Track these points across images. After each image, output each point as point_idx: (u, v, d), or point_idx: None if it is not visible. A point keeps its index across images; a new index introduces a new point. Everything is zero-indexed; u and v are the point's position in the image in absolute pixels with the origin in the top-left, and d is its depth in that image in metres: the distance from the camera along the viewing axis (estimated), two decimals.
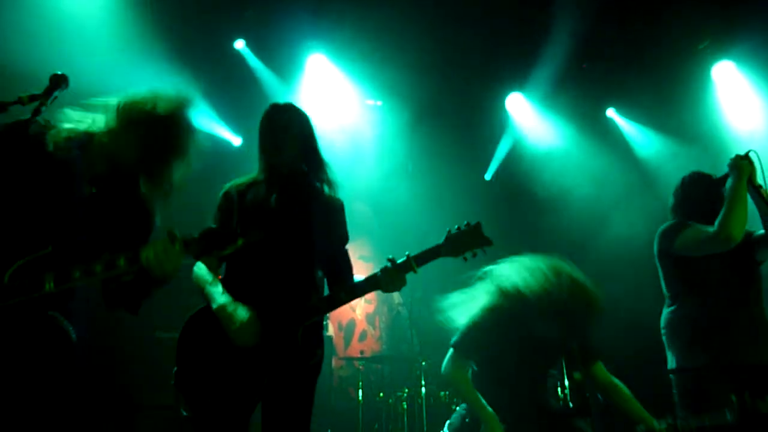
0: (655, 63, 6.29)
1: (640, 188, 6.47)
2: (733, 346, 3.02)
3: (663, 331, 3.30)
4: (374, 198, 7.46)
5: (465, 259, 2.46)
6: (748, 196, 3.02)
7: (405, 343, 6.78)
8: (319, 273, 2.56)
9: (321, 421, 5.79)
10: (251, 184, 2.58)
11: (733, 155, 3.11)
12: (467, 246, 2.45)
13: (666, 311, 3.30)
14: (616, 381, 3.17)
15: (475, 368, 3.20)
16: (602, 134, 7.07)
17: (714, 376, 2.98)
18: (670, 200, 3.41)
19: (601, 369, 3.22)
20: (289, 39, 6.07)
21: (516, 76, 6.73)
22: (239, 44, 6.12)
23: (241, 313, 2.27)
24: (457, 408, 3.26)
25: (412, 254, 2.40)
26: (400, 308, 7.51)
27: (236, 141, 6.69)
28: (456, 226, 2.48)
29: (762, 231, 3.13)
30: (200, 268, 2.45)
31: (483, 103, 7.09)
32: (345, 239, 2.69)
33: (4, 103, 1.91)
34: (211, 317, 2.33)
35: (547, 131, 7.23)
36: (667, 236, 3.24)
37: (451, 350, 3.17)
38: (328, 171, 2.64)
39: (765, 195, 3.03)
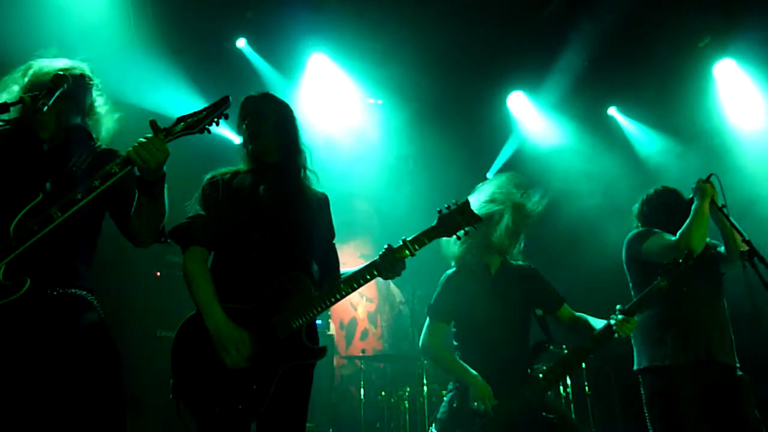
0: (655, 61, 6.27)
1: (641, 187, 6.46)
2: (701, 346, 3.20)
3: (632, 335, 3.35)
4: (376, 196, 7.47)
5: (458, 237, 2.52)
6: (710, 216, 3.28)
7: (407, 342, 6.79)
8: (315, 267, 2.53)
9: (322, 420, 5.80)
10: (236, 174, 2.55)
11: (702, 177, 3.36)
12: (459, 225, 2.50)
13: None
14: (579, 314, 3.31)
15: (455, 342, 3.26)
16: (603, 133, 7.06)
17: (682, 375, 3.16)
18: (637, 208, 3.66)
19: (566, 310, 3.34)
20: (290, 38, 6.07)
21: (517, 74, 6.73)
22: (240, 43, 6.12)
23: (232, 337, 2.23)
24: (444, 399, 3.27)
25: (408, 238, 2.44)
26: (401, 307, 7.52)
27: (237, 140, 6.66)
28: (446, 206, 2.53)
29: (723, 248, 3.40)
30: (193, 263, 2.38)
31: (484, 101, 7.08)
32: (333, 234, 2.70)
33: (6, 103, 1.94)
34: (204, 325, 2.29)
35: (549, 129, 7.22)
36: (635, 243, 3.46)
37: (426, 320, 3.24)
38: (309, 161, 2.61)
39: (727, 214, 3.26)
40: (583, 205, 6.35)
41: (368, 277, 2.40)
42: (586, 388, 5.61)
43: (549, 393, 3.14)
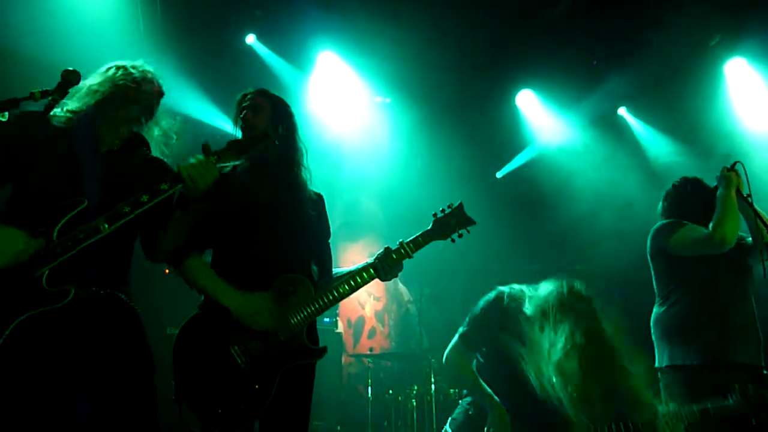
0: (665, 60, 6.22)
1: (651, 188, 6.42)
2: (726, 345, 3.08)
3: (653, 329, 3.35)
4: (384, 195, 7.46)
5: (453, 240, 2.57)
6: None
7: (414, 340, 6.79)
8: (314, 267, 2.54)
9: (330, 417, 5.81)
10: (233, 171, 2.52)
11: (732, 161, 3.25)
12: (453, 228, 2.55)
13: (657, 310, 3.35)
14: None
15: (481, 360, 3.20)
16: (614, 133, 7.02)
17: (706, 375, 3.04)
18: (661, 204, 3.51)
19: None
20: (299, 36, 6.07)
21: (526, 72, 6.70)
22: (250, 39, 6.12)
23: (256, 301, 2.28)
24: (461, 401, 3.26)
25: (405, 240, 2.49)
26: (409, 305, 7.52)
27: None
28: (441, 210, 2.57)
29: (750, 238, 3.25)
30: (191, 264, 2.39)
31: (493, 99, 7.06)
32: (329, 233, 2.70)
33: (16, 99, 1.94)
34: (206, 323, 2.30)
35: (558, 129, 7.19)
36: (662, 234, 3.30)
37: (457, 338, 3.18)
38: (305, 159, 2.61)
39: (752, 203, 3.16)
40: (592, 205, 6.33)
41: (366, 277, 2.44)
42: None
43: None
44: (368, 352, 6.63)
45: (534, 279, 3.19)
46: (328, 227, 2.69)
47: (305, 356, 2.34)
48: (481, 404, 3.05)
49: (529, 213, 6.83)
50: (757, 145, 6.12)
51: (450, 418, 3.21)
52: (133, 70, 2.27)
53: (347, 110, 6.84)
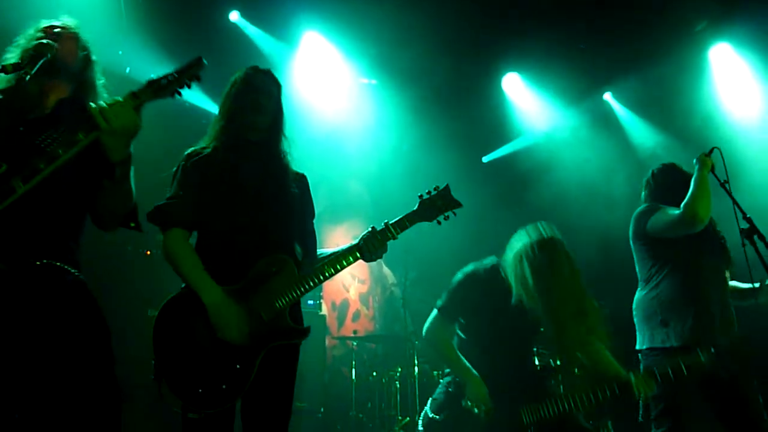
0: (651, 46, 6.22)
1: (635, 174, 6.45)
2: (706, 327, 3.12)
3: (635, 313, 3.41)
4: (369, 177, 7.43)
5: (439, 222, 2.55)
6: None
7: (398, 323, 6.81)
8: (298, 248, 2.51)
9: (314, 399, 5.82)
10: (217, 150, 2.43)
11: (710, 147, 3.32)
12: (439, 210, 2.53)
13: (639, 294, 3.41)
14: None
15: (461, 335, 3.23)
16: (599, 118, 7.03)
17: (686, 356, 3.05)
18: (643, 193, 3.59)
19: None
20: (282, 15, 5.98)
21: (513, 55, 6.66)
22: (234, 16, 6.02)
23: (232, 312, 2.22)
24: (441, 381, 3.28)
25: (390, 222, 2.47)
26: (393, 288, 7.53)
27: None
28: (426, 191, 2.55)
29: None
30: (176, 243, 2.33)
31: (480, 82, 7.03)
32: (314, 214, 2.67)
33: None
34: (189, 303, 2.25)
35: (544, 112, 7.18)
36: (640, 219, 3.39)
37: (435, 312, 3.20)
38: (291, 144, 2.57)
39: (728, 189, 3.20)
40: (575, 190, 6.35)
41: (351, 259, 2.42)
42: None
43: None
44: (352, 335, 6.65)
45: None
46: (312, 206, 2.66)
47: (288, 336, 2.33)
48: (459, 381, 3.07)
49: (515, 196, 6.83)
50: (740, 131, 6.18)
51: (430, 399, 3.23)
52: (47, 31, 2.09)
53: (332, 91, 6.77)
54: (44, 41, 2.01)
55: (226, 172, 2.39)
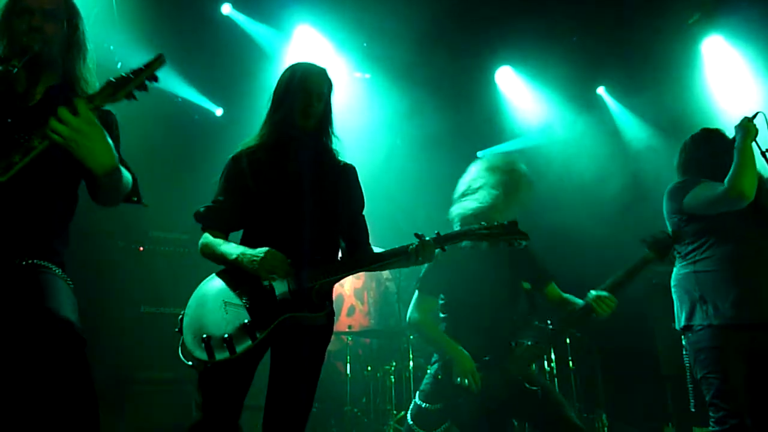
0: (644, 38, 6.22)
1: (627, 170, 6.47)
2: (750, 302, 2.88)
3: (674, 290, 3.17)
4: (363, 172, 7.39)
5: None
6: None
7: (393, 318, 6.80)
8: (343, 245, 2.52)
9: None
10: (261, 147, 2.47)
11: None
12: (501, 237, 2.51)
13: (676, 270, 3.18)
14: (566, 295, 3.32)
15: (444, 314, 3.25)
16: (592, 112, 7.03)
17: (730, 336, 2.87)
18: (677, 158, 3.30)
19: (553, 288, 3.36)
20: (275, 6, 5.94)
21: (506, 48, 6.65)
22: (226, 8, 5.95)
23: (279, 257, 2.23)
24: (428, 369, 3.29)
25: (442, 234, 2.45)
26: (388, 283, 7.52)
27: (218, 111, 6.63)
28: (495, 222, 2.54)
29: None
30: (208, 238, 2.38)
31: (473, 75, 7.01)
32: (363, 205, 2.66)
33: None
34: (227, 275, 2.30)
35: (537, 106, 7.17)
36: (676, 194, 3.13)
37: (415, 293, 3.24)
38: (337, 137, 2.59)
39: None
40: (570, 183, 6.36)
41: (394, 262, 2.41)
42: (570, 362, 5.67)
43: (533, 366, 3.16)
44: (347, 330, 6.64)
45: None
46: (362, 198, 2.65)
47: (309, 309, 2.27)
48: (446, 362, 3.09)
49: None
50: (732, 124, 6.18)
51: (418, 390, 3.23)
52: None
53: None
54: (33, 34, 1.96)
55: (269, 175, 2.41)
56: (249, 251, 2.24)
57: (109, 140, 1.81)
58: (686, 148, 3.28)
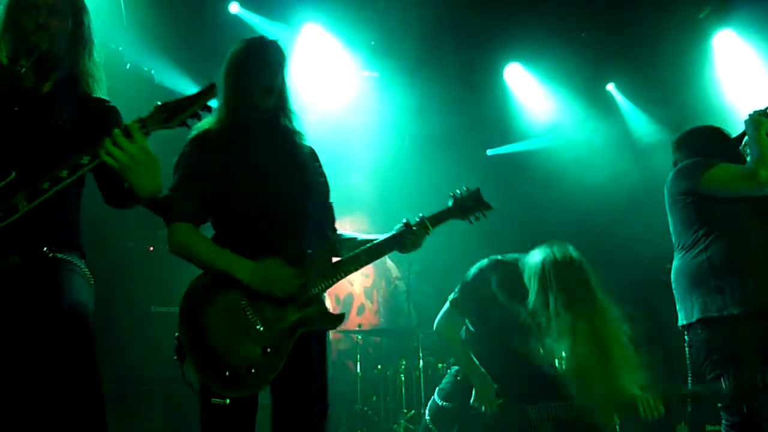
0: (653, 33, 6.16)
1: (636, 164, 6.43)
2: (766, 291, 2.73)
3: (675, 283, 3.01)
4: (371, 171, 7.40)
5: (470, 221, 2.54)
6: None
7: (402, 316, 6.80)
8: (324, 228, 2.43)
9: None
10: (224, 130, 2.27)
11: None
12: (471, 210, 2.53)
13: (681, 260, 2.99)
14: None
15: (471, 329, 3.22)
16: (602, 109, 6.98)
17: (749, 326, 2.70)
18: (684, 149, 3.12)
19: None
20: (283, 6, 5.94)
21: (515, 44, 6.61)
22: (234, 7, 5.96)
23: (273, 266, 2.12)
24: (449, 370, 3.28)
25: (426, 216, 2.43)
26: (397, 282, 7.52)
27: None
28: (458, 191, 2.54)
29: None
30: (183, 234, 2.19)
31: (481, 72, 6.98)
32: (329, 189, 2.56)
33: None
34: (220, 279, 2.12)
35: (546, 103, 7.13)
36: (690, 173, 2.94)
37: (447, 305, 3.20)
38: (298, 117, 2.44)
39: None
40: (579, 183, 6.33)
41: (387, 250, 2.37)
42: None
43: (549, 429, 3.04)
44: (357, 329, 6.64)
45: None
46: (327, 180, 2.55)
47: (324, 321, 2.22)
48: (466, 381, 3.08)
49: (519, 191, 6.81)
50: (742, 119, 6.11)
51: (438, 388, 3.23)
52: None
53: (334, 84, 6.72)
54: (41, 32, 1.95)
55: (239, 155, 2.25)
56: (261, 266, 2.09)
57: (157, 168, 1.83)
58: (693, 136, 3.14)
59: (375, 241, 2.37)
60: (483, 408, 2.95)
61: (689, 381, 2.94)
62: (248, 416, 2.11)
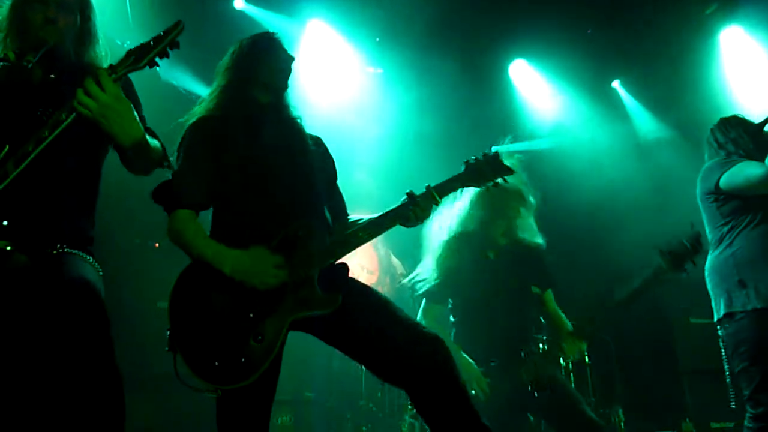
0: (660, 29, 6.13)
1: (641, 166, 6.41)
2: None
3: (708, 279, 3.03)
4: (376, 168, 7.39)
5: (487, 188, 2.39)
6: None
7: (407, 313, 6.79)
8: (327, 213, 2.39)
9: (322, 389, 5.84)
10: (225, 117, 2.26)
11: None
12: (486, 175, 2.36)
13: (711, 257, 3.04)
14: (560, 312, 3.34)
15: (453, 319, 3.24)
16: (608, 106, 6.95)
17: None
18: (709, 146, 3.16)
19: (549, 296, 3.38)
20: (288, 2, 5.94)
21: (520, 41, 6.59)
22: (239, 3, 5.97)
23: (260, 256, 2.08)
24: None
25: (432, 185, 2.30)
26: (402, 279, 7.52)
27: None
28: (473, 157, 2.39)
29: None
30: (183, 222, 2.17)
31: (486, 69, 6.96)
32: (336, 173, 2.56)
33: None
34: (208, 269, 2.10)
35: (551, 100, 7.11)
36: (712, 172, 2.98)
37: (423, 301, 3.26)
38: (296, 106, 2.45)
39: None
40: (585, 179, 6.31)
41: (388, 225, 2.26)
42: (586, 357, 5.63)
43: (550, 370, 3.13)
44: None
45: None
46: (335, 167, 2.53)
47: (317, 306, 2.13)
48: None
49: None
50: (751, 118, 6.07)
51: None
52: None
53: (338, 80, 6.72)
54: (49, 27, 1.95)
55: (244, 141, 2.23)
56: (246, 256, 2.07)
57: (135, 113, 1.81)
58: (718, 131, 3.14)
59: (374, 217, 2.30)
60: (473, 391, 2.95)
61: (726, 375, 2.99)
62: (257, 409, 2.09)
